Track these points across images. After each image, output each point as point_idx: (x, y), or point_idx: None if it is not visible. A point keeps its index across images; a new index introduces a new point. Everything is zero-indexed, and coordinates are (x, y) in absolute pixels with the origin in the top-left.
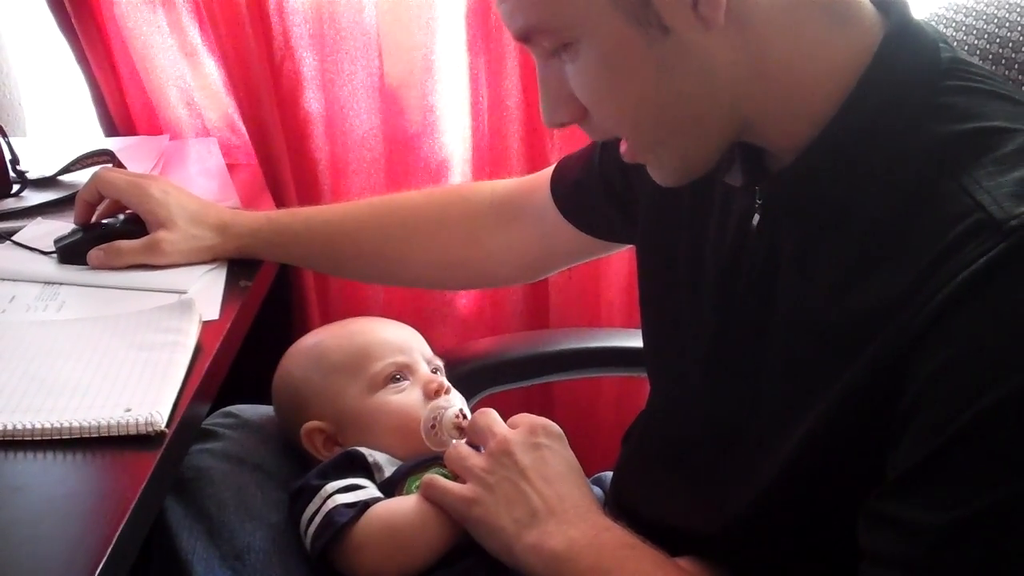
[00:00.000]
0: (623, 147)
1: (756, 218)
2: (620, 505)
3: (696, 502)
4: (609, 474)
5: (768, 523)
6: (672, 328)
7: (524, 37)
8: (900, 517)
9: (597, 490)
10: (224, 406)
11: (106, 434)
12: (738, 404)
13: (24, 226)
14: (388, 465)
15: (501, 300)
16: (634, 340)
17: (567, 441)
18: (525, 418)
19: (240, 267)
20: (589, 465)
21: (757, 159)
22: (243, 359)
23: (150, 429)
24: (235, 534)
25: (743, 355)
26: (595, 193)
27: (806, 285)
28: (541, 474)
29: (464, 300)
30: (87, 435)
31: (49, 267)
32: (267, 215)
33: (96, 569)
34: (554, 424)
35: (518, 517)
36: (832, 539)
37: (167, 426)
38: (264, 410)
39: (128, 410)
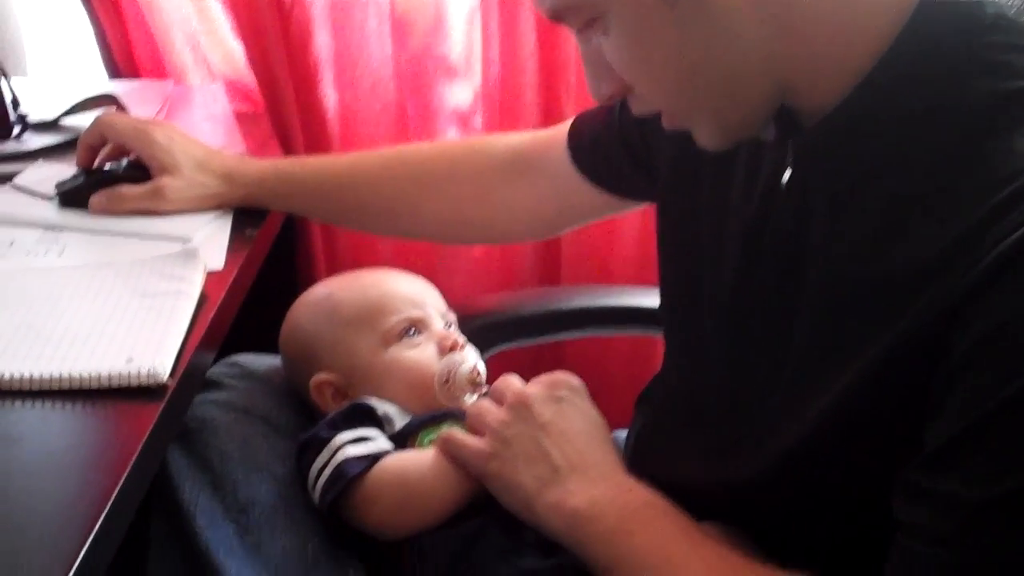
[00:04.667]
0: (663, 117)
1: (787, 174)
2: (635, 469)
3: (715, 466)
4: (621, 433)
5: (790, 489)
6: (692, 287)
7: (556, 17)
8: (937, 490)
9: None
10: (229, 355)
11: (107, 385)
12: (760, 366)
13: (24, 170)
14: (399, 417)
15: (512, 254)
16: (648, 298)
17: (589, 396)
18: (545, 375)
19: (246, 216)
20: None
21: (789, 113)
22: (248, 309)
23: (152, 380)
24: (239, 487)
25: (767, 315)
26: (614, 149)
27: (838, 244)
28: (562, 429)
29: (474, 253)
30: (87, 386)
31: (50, 212)
32: (274, 164)
33: (95, 524)
34: (576, 378)
35: (538, 474)
36: (857, 505)
37: (170, 377)
38: (270, 361)
39: (130, 360)
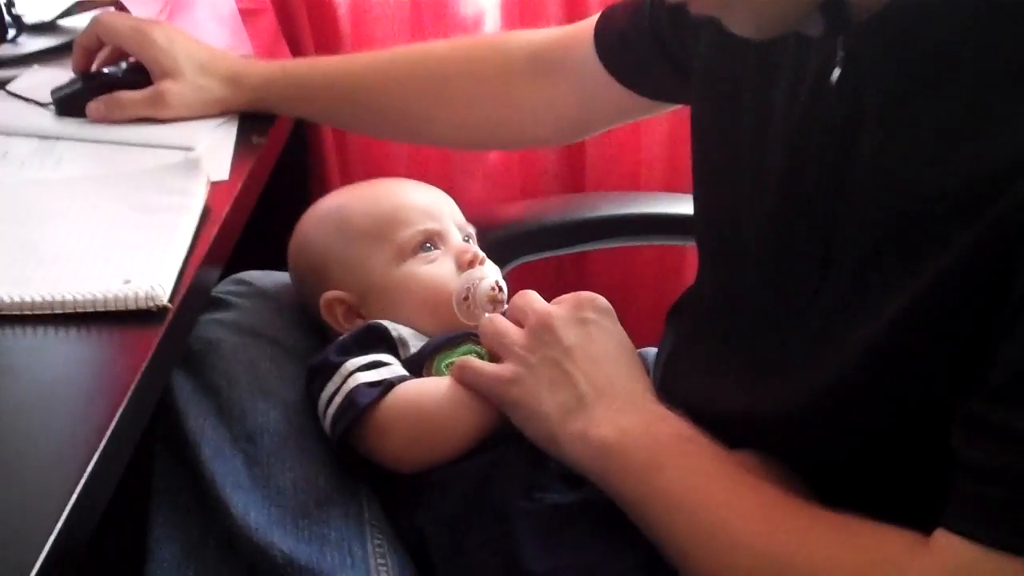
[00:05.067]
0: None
1: (836, 73)
2: (666, 389)
3: (753, 389)
4: (650, 351)
5: (836, 417)
6: (729, 195)
7: None
8: (1004, 426)
9: None
10: (235, 272)
11: (103, 308)
12: (803, 281)
13: (19, 75)
14: (414, 340)
15: (533, 160)
16: (679, 205)
17: (616, 317)
18: (570, 294)
19: (252, 122)
20: None
21: (838, 5)
22: (256, 222)
23: (151, 304)
24: (247, 413)
25: (811, 227)
26: (644, 45)
27: (894, 150)
28: (588, 353)
29: (494, 159)
30: (82, 309)
31: (46, 120)
32: (282, 65)
33: (91, 459)
34: (602, 298)
35: (562, 401)
36: (904, 442)
37: (170, 300)
38: (279, 277)
39: (127, 282)
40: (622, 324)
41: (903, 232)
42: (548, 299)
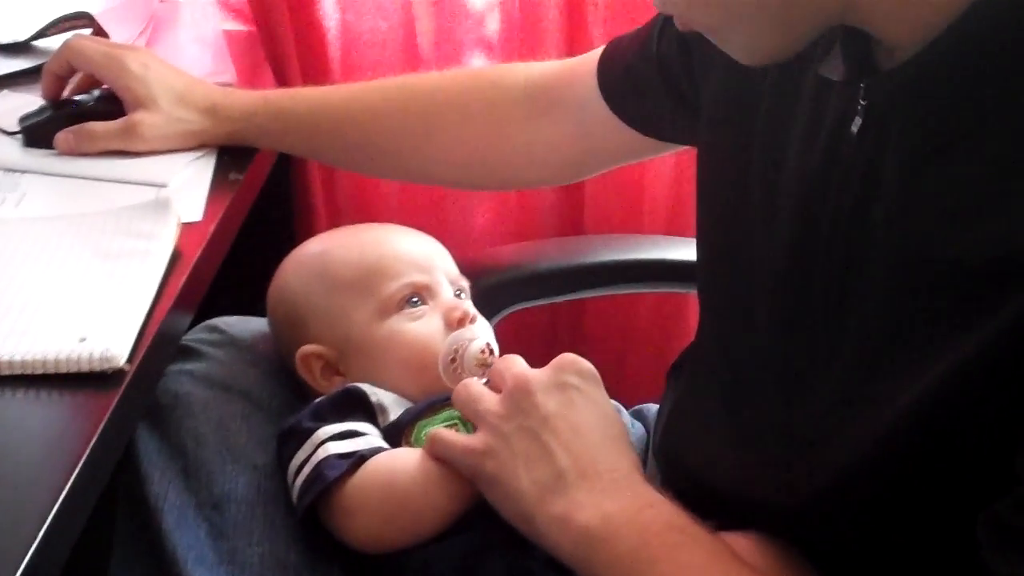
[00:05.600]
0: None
1: (857, 122)
2: (665, 453)
3: (756, 463)
4: (652, 407)
5: (845, 498)
6: (737, 245)
7: None
8: None
9: (639, 428)
10: (211, 317)
11: (53, 371)
12: (816, 350)
13: None
14: (395, 406)
15: (530, 200)
16: (683, 251)
17: (602, 383)
18: (553, 361)
19: (231, 157)
20: (625, 397)
21: (863, 49)
22: (235, 263)
23: (107, 366)
24: (214, 477)
25: (826, 290)
26: (650, 82)
27: (919, 209)
28: (569, 424)
29: (490, 196)
30: (33, 371)
31: (12, 150)
32: (264, 95)
33: (36, 537)
34: (585, 362)
35: (540, 478)
36: (928, 529)
37: (129, 360)
38: (256, 324)
39: (83, 339)
40: (621, 377)
41: (931, 300)
42: (540, 347)
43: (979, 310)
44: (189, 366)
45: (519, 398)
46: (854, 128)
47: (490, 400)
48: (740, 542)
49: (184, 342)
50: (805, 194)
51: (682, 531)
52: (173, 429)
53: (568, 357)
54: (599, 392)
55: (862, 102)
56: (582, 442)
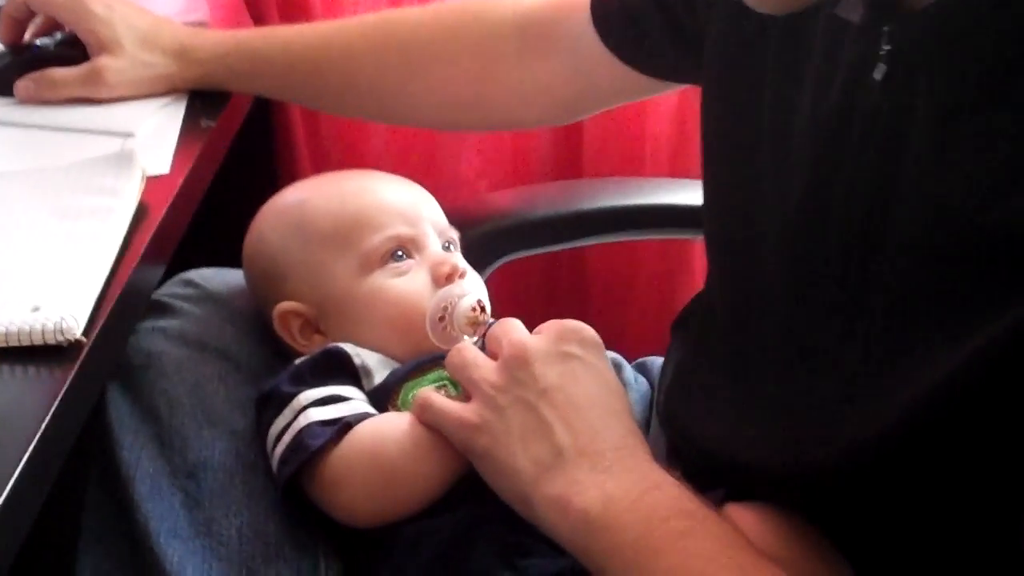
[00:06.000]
0: None
1: (881, 70)
2: (668, 416)
3: (762, 431)
4: (656, 360)
5: (865, 476)
6: (746, 192)
7: None
8: None
9: (643, 383)
10: (188, 269)
11: (3, 344)
12: (832, 314)
13: None
14: (380, 368)
15: (525, 140)
16: (689, 194)
17: (605, 352)
18: (553, 322)
19: (203, 102)
20: (627, 349)
21: None
22: (214, 213)
23: (61, 338)
24: (189, 443)
25: (842, 246)
26: (649, 17)
27: (950, 169)
28: (569, 397)
29: (482, 138)
30: None
31: None
32: (235, 35)
33: None
34: (589, 329)
35: (537, 455)
36: (938, 501)
37: (85, 332)
38: (233, 277)
39: (36, 309)
40: (623, 328)
41: (965, 267)
42: (537, 299)
43: (1012, 282)
44: (162, 323)
45: (516, 368)
46: (877, 75)
47: (486, 368)
48: (747, 516)
49: (157, 297)
50: (819, 145)
51: (690, 516)
52: (146, 391)
53: (570, 324)
54: (602, 363)
55: (885, 47)
56: (583, 417)
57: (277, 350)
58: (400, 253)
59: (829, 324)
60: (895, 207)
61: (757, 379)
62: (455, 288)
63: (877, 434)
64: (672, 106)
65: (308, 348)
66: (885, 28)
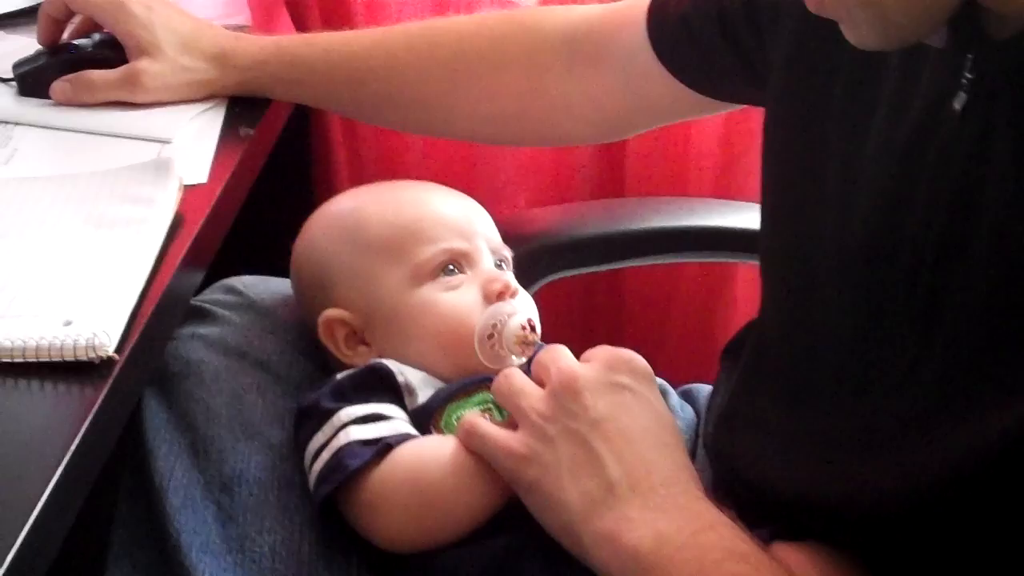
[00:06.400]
0: None
1: (961, 99)
2: (717, 450)
3: (826, 467)
4: (702, 388)
5: (931, 516)
6: (809, 220)
7: None
8: None
9: (688, 411)
10: (226, 276)
11: (33, 358)
12: (897, 349)
13: None
14: (424, 387)
15: (566, 156)
16: (736, 217)
17: (656, 382)
18: (603, 350)
19: (242, 109)
20: (665, 373)
21: (970, 14)
22: (253, 221)
23: (93, 354)
24: (225, 455)
25: (912, 282)
26: (708, 34)
27: None
28: (621, 429)
29: (522, 155)
30: (7, 359)
31: (5, 99)
32: (276, 42)
33: (16, 539)
34: (640, 358)
35: (587, 489)
36: (997, 547)
37: (118, 349)
38: (277, 285)
39: (68, 323)
40: (660, 352)
41: None
42: (577, 320)
43: None
44: (202, 330)
45: (565, 397)
46: (957, 105)
47: (534, 396)
48: (796, 556)
49: (198, 302)
50: (891, 175)
51: (744, 559)
52: (183, 399)
53: (621, 353)
54: (654, 394)
55: (967, 76)
56: (634, 450)
57: (318, 363)
58: (452, 267)
59: (893, 360)
60: (971, 246)
61: (814, 411)
62: (505, 306)
63: (936, 473)
64: (718, 126)
65: (351, 359)
66: (969, 56)
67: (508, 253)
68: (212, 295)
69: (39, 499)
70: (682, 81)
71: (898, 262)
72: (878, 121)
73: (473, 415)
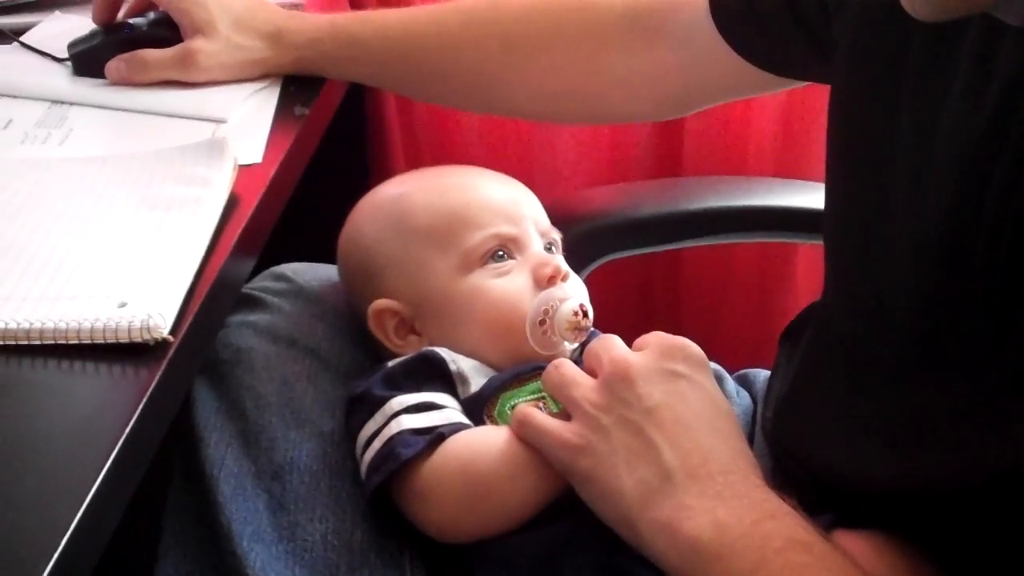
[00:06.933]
0: None
1: None
2: (777, 436)
3: (894, 454)
4: (759, 373)
5: (986, 498)
6: (877, 202)
7: None
8: None
9: (745, 397)
10: (277, 263)
11: (87, 340)
12: (971, 334)
13: (38, 23)
14: (476, 375)
15: (624, 135)
16: (798, 195)
17: (711, 369)
18: (655, 337)
19: (297, 88)
20: (721, 357)
21: None
22: (305, 205)
23: (147, 336)
24: (275, 443)
25: (987, 279)
26: (773, 9)
27: None
28: (677, 417)
29: (579, 133)
30: (62, 341)
31: (60, 79)
32: (331, 20)
33: (71, 523)
34: (695, 346)
35: (643, 478)
36: None
37: (173, 331)
38: (326, 272)
39: (123, 305)
40: (716, 335)
41: None
42: (632, 302)
43: None
44: (252, 317)
45: (619, 386)
46: None
47: (586, 386)
48: (859, 543)
49: (247, 290)
50: (967, 160)
51: (808, 549)
52: (233, 387)
53: (674, 340)
54: (709, 381)
55: None
56: (691, 438)
57: (368, 351)
58: (501, 253)
59: (969, 345)
60: None
61: (879, 395)
62: (557, 291)
63: (1008, 459)
64: (778, 104)
65: (403, 348)
66: None
67: (557, 235)
68: (261, 282)
69: (94, 481)
70: (746, 58)
71: (976, 247)
72: (950, 103)
73: (526, 406)
